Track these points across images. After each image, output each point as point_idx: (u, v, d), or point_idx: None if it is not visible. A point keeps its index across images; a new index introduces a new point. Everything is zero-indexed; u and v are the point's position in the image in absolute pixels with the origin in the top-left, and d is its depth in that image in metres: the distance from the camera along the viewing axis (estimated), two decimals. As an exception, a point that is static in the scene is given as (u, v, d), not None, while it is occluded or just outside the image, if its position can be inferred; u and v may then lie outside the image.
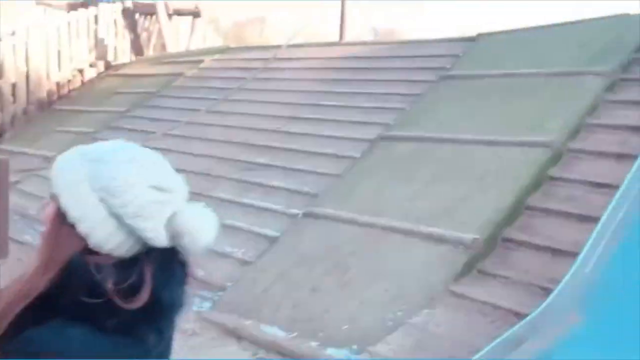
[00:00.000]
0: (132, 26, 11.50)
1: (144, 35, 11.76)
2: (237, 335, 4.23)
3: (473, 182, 4.88)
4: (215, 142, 7.36)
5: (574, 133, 5.05)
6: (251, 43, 14.42)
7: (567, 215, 4.37)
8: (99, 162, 1.12)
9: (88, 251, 1.10)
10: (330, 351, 3.84)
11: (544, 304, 3.47)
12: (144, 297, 1.08)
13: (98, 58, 10.97)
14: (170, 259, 1.15)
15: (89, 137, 7.67)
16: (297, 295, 4.49)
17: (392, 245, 4.59)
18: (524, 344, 3.33)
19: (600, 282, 3.69)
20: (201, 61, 10.11)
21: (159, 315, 1.14)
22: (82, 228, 1.09)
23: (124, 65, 11.21)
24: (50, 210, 1.13)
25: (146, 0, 11.48)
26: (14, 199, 4.79)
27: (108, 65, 11.02)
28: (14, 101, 9.80)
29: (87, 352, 1.06)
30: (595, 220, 4.00)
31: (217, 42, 13.30)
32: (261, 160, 6.61)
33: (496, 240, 4.34)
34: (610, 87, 5.44)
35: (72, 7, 11.07)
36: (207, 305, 4.70)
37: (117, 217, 1.09)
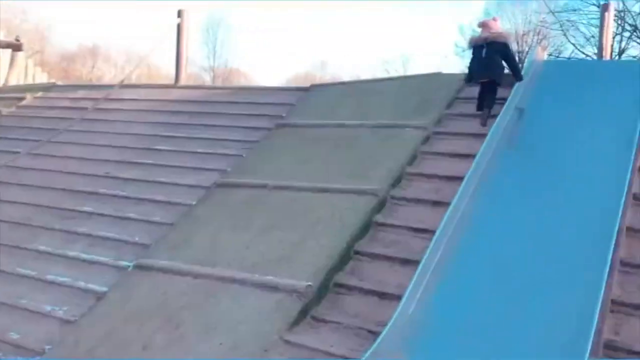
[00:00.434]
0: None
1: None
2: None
3: (306, 229, 5.02)
4: (35, 188, 6.77)
5: (397, 181, 5.45)
6: (81, 79, 13.62)
7: (392, 259, 4.65)
8: None
9: None
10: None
11: (371, 349, 3.63)
12: None
13: None
14: None
15: None
16: (126, 355, 4.20)
17: (227, 296, 4.52)
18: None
19: (422, 322, 3.96)
20: (22, 98, 9.33)
21: None
22: None
23: None
24: None
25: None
26: None
27: None
28: None
29: None
30: (416, 263, 4.32)
31: (42, 77, 12.35)
32: (87, 208, 6.19)
33: (328, 286, 4.48)
34: (426, 140, 5.99)
35: None
36: (20, 373, 4.22)
37: None
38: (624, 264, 4.08)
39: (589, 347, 3.36)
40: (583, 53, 23.17)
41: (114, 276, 5.12)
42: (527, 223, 4.48)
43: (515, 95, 5.94)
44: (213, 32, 34.65)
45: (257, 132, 7.04)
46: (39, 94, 9.49)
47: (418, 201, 5.19)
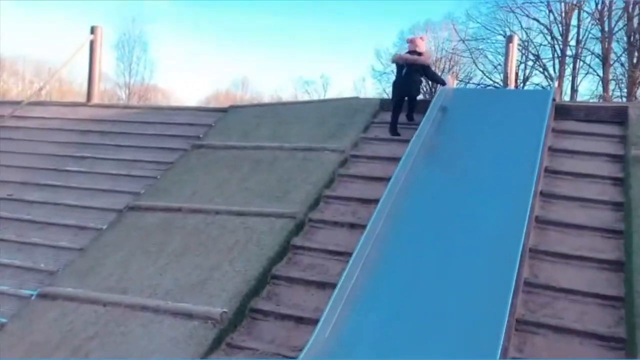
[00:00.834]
0: None
1: None
2: None
3: (223, 254, 4.93)
4: None
5: (315, 204, 5.49)
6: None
7: (309, 283, 4.66)
8: None
9: None
10: None
11: (287, 375, 3.60)
12: None
13: None
14: None
15: None
16: (26, 391, 3.94)
17: (138, 325, 4.34)
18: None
19: (337, 345, 3.98)
20: None
21: None
22: None
23: None
24: None
25: None
26: None
27: None
28: None
29: None
30: (332, 286, 4.35)
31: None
32: (-14, 233, 5.80)
33: (244, 311, 4.41)
34: (344, 163, 6.09)
35: None
36: None
37: None
38: (527, 283, 4.30)
39: (496, 366, 3.50)
40: (491, 79, 24.59)
41: (15, 306, 4.80)
42: (438, 245, 4.63)
43: (438, 98, 6.55)
44: (129, 49, 33.72)
45: (172, 153, 6.89)
46: None
47: (335, 224, 5.25)
